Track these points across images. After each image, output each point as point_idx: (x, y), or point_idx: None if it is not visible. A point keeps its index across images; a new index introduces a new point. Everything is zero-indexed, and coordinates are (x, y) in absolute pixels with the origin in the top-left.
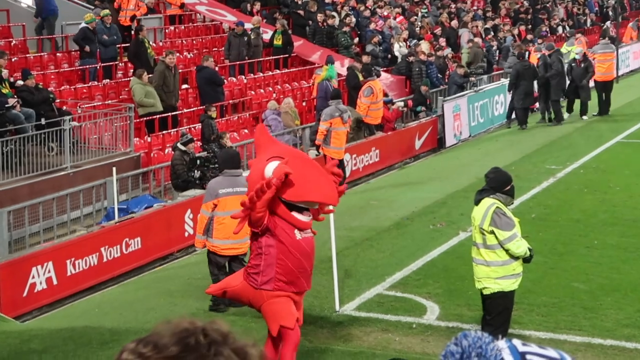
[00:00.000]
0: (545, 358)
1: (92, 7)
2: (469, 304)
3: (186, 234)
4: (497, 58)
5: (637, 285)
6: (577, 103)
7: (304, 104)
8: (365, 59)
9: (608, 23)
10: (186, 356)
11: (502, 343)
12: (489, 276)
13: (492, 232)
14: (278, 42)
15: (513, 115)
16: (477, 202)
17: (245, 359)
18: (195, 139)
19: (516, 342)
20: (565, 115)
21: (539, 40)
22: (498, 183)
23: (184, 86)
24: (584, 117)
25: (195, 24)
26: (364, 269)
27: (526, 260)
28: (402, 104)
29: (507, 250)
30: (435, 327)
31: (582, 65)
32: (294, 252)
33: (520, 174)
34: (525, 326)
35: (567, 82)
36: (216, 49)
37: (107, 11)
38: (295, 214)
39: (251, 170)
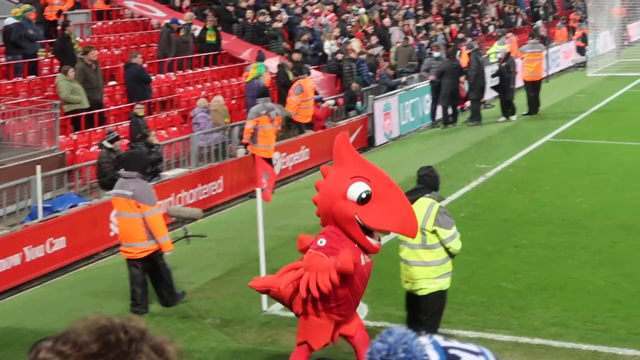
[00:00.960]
0: (466, 352)
1: (17, 2)
2: (397, 304)
3: (112, 234)
4: (427, 57)
5: (565, 284)
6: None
7: (233, 101)
8: (296, 56)
9: (539, 22)
10: (107, 354)
11: (424, 339)
12: (429, 276)
13: (434, 232)
14: (212, 38)
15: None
16: (411, 203)
17: (163, 355)
18: (122, 136)
19: (438, 337)
20: (513, 117)
21: (469, 39)
22: (434, 181)
23: (111, 83)
24: (512, 118)
25: (123, 20)
26: None
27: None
28: (332, 102)
29: (447, 249)
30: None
31: (504, 64)
32: (356, 278)
33: (450, 173)
34: (454, 325)
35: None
36: (144, 45)
37: (28, 6)
38: (368, 238)
39: (329, 180)
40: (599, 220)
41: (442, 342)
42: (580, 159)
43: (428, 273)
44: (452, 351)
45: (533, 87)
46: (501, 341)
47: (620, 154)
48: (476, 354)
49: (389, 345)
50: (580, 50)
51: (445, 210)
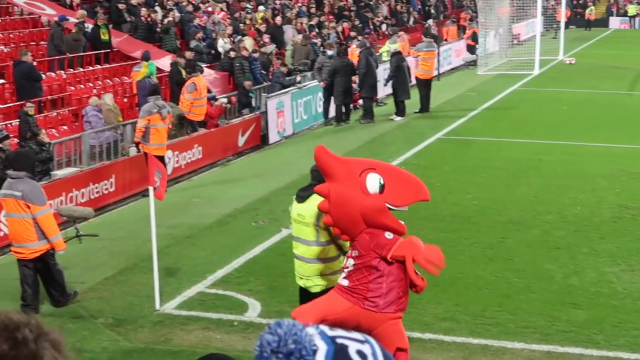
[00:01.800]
0: (352, 340)
1: None
2: (290, 301)
3: (1, 234)
4: (320, 55)
5: (455, 279)
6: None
7: (125, 100)
8: (189, 54)
9: (430, 21)
10: (17, 354)
11: (311, 330)
12: (323, 273)
13: (327, 228)
14: (105, 37)
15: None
16: (304, 199)
17: (58, 349)
18: (11, 135)
19: (324, 327)
20: (397, 118)
21: (359, 37)
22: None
23: (0, 81)
24: (396, 118)
25: (12, 17)
26: (186, 267)
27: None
28: (225, 100)
29: (340, 246)
30: (257, 324)
31: (391, 64)
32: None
33: None
34: None
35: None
36: (34, 43)
37: None
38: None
39: (338, 191)
40: (489, 217)
41: (329, 332)
42: (471, 156)
43: (322, 269)
44: (339, 340)
45: (425, 85)
46: None
47: (510, 151)
48: (362, 342)
49: (279, 337)
50: (471, 49)
51: None
